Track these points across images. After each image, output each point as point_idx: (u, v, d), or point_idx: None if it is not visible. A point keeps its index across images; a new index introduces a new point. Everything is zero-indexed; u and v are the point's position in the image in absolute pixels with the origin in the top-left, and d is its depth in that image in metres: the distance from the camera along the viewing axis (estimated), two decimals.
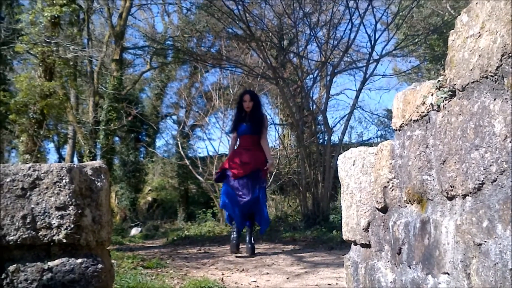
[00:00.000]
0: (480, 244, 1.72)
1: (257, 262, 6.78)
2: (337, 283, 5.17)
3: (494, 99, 1.67)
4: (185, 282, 5.09)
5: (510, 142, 1.59)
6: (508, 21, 1.58)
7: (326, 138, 13.10)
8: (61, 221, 2.91)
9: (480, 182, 1.74)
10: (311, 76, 13.85)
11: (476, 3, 1.80)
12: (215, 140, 42.13)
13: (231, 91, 15.56)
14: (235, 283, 5.34)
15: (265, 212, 7.25)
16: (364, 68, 12.58)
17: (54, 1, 14.29)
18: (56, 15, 14.28)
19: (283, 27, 14.04)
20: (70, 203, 2.91)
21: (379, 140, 17.02)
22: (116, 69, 18.30)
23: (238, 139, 7.53)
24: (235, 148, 7.51)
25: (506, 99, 1.61)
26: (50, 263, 2.92)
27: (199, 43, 18.94)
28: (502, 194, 1.63)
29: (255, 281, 5.45)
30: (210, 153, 17.27)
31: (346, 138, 15.39)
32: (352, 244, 3.17)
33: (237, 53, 16.10)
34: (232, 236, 7.27)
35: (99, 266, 2.98)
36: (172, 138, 22.42)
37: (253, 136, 7.32)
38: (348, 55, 14.01)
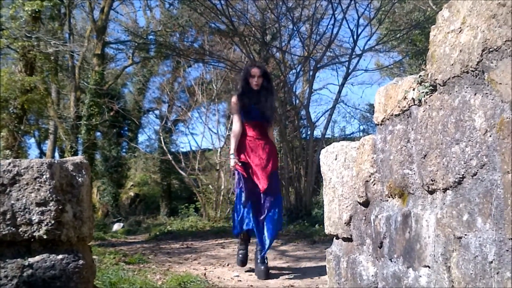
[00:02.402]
0: (460, 238, 1.74)
1: None
2: (319, 277, 5.19)
3: (475, 94, 1.68)
4: (167, 277, 5.08)
5: (490, 136, 1.60)
6: (488, 16, 1.59)
7: (308, 133, 13.15)
8: (42, 217, 2.88)
9: (461, 176, 1.76)
10: (294, 70, 13.90)
11: None
12: (198, 135, 41.98)
13: (214, 86, 15.53)
14: (218, 278, 5.33)
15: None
16: (347, 63, 12.63)
17: None
18: (37, 10, 14.12)
19: (266, 22, 14.04)
20: (51, 199, 2.89)
21: (361, 134, 17.13)
22: (97, 63, 18.15)
23: (247, 126, 5.60)
24: (243, 139, 5.59)
25: (487, 93, 1.62)
26: (31, 260, 2.89)
27: (182, 37, 18.86)
28: (482, 188, 1.64)
29: (238, 276, 5.45)
30: (193, 148, 17.27)
31: (329, 133, 15.50)
32: (334, 238, 3.19)
33: (220, 48, 16.07)
34: (239, 249, 5.71)
35: (80, 262, 2.96)
36: (154, 133, 22.34)
37: (265, 122, 5.62)
38: (331, 50, 14.06)
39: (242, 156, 5.47)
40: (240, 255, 5.62)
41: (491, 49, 1.58)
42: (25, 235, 2.89)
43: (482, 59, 1.62)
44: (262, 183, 5.35)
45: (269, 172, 5.43)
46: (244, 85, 5.62)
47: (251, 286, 4.99)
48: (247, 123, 5.57)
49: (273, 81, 6.38)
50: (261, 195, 5.39)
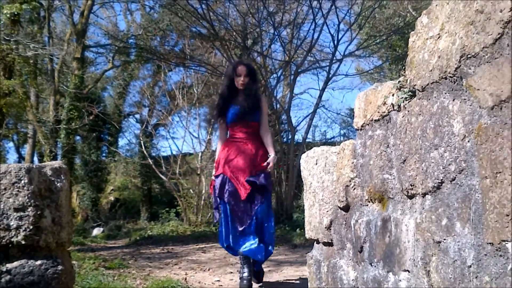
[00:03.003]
0: (439, 242, 1.75)
1: (221, 261, 6.77)
2: (300, 282, 5.19)
3: (453, 100, 1.70)
4: (147, 282, 5.04)
5: (468, 141, 1.61)
6: (467, 23, 1.61)
7: (290, 137, 13.18)
8: (20, 222, 2.85)
9: (440, 181, 1.77)
10: (275, 75, 13.94)
11: (436, 5, 1.82)
12: (179, 139, 41.79)
13: (195, 90, 15.50)
14: (199, 282, 5.31)
15: (272, 236, 5.00)
16: (328, 67, 12.71)
17: None
18: (16, 13, 13.94)
19: (247, 26, 14.05)
20: (29, 204, 2.86)
21: (342, 139, 17.22)
22: (77, 67, 18.02)
23: (231, 128, 5.14)
24: (227, 142, 5.12)
25: (465, 99, 1.64)
26: (9, 265, 2.86)
27: (163, 41, 18.79)
28: (460, 193, 1.65)
29: (219, 280, 5.43)
30: (174, 152, 17.21)
31: (309, 137, 15.56)
32: (315, 242, 3.19)
33: (201, 52, 16.06)
34: (242, 272, 4.84)
35: (59, 267, 2.94)
36: (135, 137, 22.21)
37: (253, 123, 5.08)
38: (312, 54, 14.12)
39: (221, 165, 4.98)
40: (245, 281, 4.75)
41: (469, 55, 1.60)
42: (3, 240, 2.85)
43: (460, 65, 1.64)
44: (242, 190, 4.81)
45: (254, 173, 4.84)
46: (229, 84, 5.11)
47: None
48: (231, 125, 5.08)
49: (259, 80, 5.75)
50: (244, 203, 4.81)
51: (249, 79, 5.04)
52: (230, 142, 5.05)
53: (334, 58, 12.64)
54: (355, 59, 18.22)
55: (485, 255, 1.52)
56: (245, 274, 4.77)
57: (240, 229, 4.79)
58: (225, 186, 4.87)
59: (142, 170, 20.79)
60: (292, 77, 13.20)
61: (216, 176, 4.98)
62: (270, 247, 4.90)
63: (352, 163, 2.56)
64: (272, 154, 4.96)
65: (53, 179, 3.00)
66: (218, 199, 4.94)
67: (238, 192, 4.82)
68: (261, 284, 5.08)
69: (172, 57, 16.11)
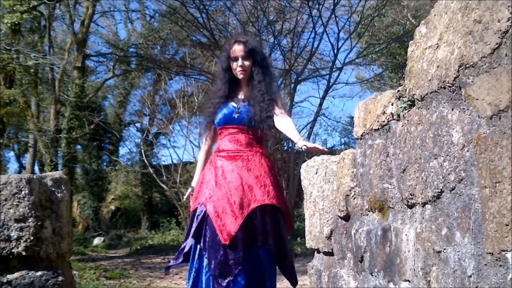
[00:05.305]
0: (439, 252, 1.75)
1: None
2: None
3: (452, 109, 1.70)
4: None
5: (467, 151, 1.61)
6: (465, 32, 1.62)
7: (290, 145, 13.17)
8: (21, 233, 2.85)
9: (439, 191, 1.77)
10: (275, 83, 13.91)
11: (434, 15, 1.83)
12: (180, 148, 41.80)
13: (195, 99, 15.50)
14: None
15: None
16: (328, 76, 12.73)
17: (15, 8, 14.03)
18: (16, 22, 14.00)
19: (247, 35, 14.07)
20: (30, 215, 2.86)
21: (343, 147, 17.21)
22: (78, 76, 18.04)
23: (220, 136, 3.33)
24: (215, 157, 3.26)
25: (464, 109, 1.64)
26: (9, 276, 2.85)
27: (163, 50, 18.85)
28: (460, 202, 1.65)
29: None
30: (174, 161, 17.22)
31: None
32: (316, 252, 3.19)
33: (201, 61, 16.08)
34: None
35: (60, 278, 2.93)
36: (135, 146, 22.17)
37: (250, 130, 3.21)
38: (312, 63, 14.15)
39: (201, 189, 3.22)
40: None
41: (467, 65, 1.60)
42: (4, 251, 2.85)
43: (459, 75, 1.64)
44: (223, 231, 2.95)
45: (247, 209, 2.96)
46: (224, 73, 3.39)
47: None
48: (221, 130, 3.31)
49: (269, 62, 3.69)
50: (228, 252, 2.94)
51: (252, 62, 3.30)
52: (215, 157, 3.29)
53: (334, 67, 12.67)
54: (355, 67, 18.27)
55: (485, 265, 1.51)
56: None
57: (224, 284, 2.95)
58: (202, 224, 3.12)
59: (143, 179, 20.75)
60: (292, 86, 13.22)
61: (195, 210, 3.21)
62: None
63: (352, 172, 2.56)
64: (298, 137, 2.90)
65: (53, 189, 3.00)
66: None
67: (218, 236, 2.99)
68: None
69: (173, 65, 16.15)
